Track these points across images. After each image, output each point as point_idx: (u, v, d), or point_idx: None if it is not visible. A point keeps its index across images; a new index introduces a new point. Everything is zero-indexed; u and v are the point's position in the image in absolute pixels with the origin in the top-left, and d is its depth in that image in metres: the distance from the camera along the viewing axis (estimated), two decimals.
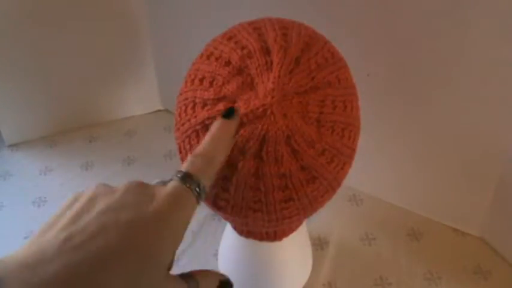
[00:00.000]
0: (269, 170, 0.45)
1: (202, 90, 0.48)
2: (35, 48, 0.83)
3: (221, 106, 0.46)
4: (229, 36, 0.50)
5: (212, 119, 0.46)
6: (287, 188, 0.47)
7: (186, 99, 0.49)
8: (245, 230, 0.59)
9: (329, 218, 0.75)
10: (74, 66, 0.87)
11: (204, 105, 0.47)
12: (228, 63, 0.48)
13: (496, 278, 0.69)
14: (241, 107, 0.45)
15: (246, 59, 0.47)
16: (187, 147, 0.48)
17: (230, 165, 0.46)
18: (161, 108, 0.98)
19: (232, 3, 0.73)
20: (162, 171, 0.85)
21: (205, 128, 0.46)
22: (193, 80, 0.50)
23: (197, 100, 0.48)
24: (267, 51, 0.47)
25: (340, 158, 0.48)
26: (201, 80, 0.49)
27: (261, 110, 0.44)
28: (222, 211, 0.50)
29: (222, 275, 0.46)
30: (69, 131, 0.93)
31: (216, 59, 0.49)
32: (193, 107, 0.48)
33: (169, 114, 0.97)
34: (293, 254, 0.65)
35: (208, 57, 0.50)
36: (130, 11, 0.85)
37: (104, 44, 0.86)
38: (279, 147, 0.45)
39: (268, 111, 0.44)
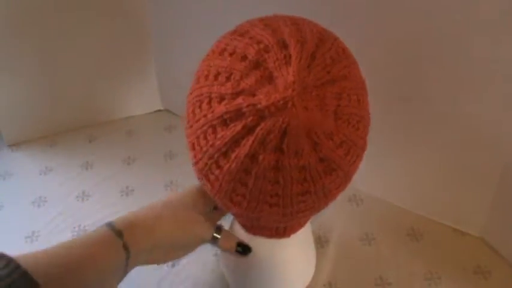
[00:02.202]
0: (289, 163, 0.46)
1: (219, 85, 0.48)
2: (35, 49, 0.83)
3: (240, 100, 0.46)
4: (240, 33, 0.50)
5: (231, 113, 0.46)
6: (305, 181, 0.47)
7: (201, 95, 0.49)
8: (255, 226, 0.59)
9: (329, 217, 0.75)
10: (75, 66, 0.87)
11: (222, 99, 0.47)
12: (244, 57, 0.47)
13: (496, 278, 0.69)
14: (262, 100, 0.45)
15: (263, 53, 0.47)
16: (203, 142, 0.48)
17: (250, 158, 0.46)
18: (161, 108, 0.98)
19: (233, 4, 0.73)
20: (162, 171, 0.86)
21: (223, 122, 0.46)
22: (206, 76, 0.49)
23: (213, 95, 0.48)
24: (283, 45, 0.47)
25: (355, 149, 0.49)
26: (216, 76, 0.48)
27: (282, 102, 0.44)
28: (237, 206, 0.50)
29: (240, 240, 0.61)
30: (69, 131, 0.93)
31: (230, 54, 0.49)
32: (209, 102, 0.48)
33: (170, 114, 0.97)
34: (298, 253, 0.65)
35: (221, 53, 0.50)
36: (132, 12, 0.85)
37: (104, 44, 0.86)
38: (299, 139, 0.45)
39: (289, 104, 0.44)
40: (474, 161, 0.67)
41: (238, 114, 0.45)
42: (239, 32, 0.50)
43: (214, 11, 0.76)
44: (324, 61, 0.47)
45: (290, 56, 0.46)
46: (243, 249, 0.61)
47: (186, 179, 0.83)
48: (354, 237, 0.74)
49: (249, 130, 0.45)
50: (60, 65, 0.86)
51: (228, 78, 0.47)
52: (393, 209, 0.78)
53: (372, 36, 0.65)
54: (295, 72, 0.44)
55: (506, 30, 0.56)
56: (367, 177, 0.79)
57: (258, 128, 0.45)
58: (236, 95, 0.46)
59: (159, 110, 0.98)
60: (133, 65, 0.91)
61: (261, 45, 0.47)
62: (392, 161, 0.75)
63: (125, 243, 0.53)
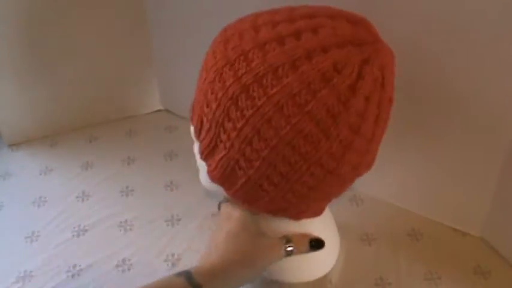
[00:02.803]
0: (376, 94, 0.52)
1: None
2: (35, 49, 0.83)
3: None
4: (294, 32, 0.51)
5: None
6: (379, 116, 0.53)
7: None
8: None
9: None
10: (75, 66, 0.87)
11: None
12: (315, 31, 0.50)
13: (496, 278, 0.69)
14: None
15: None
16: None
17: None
18: (161, 108, 0.98)
19: (232, 5, 0.73)
20: (162, 171, 0.86)
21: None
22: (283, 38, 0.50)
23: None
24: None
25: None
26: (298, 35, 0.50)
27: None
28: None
29: (312, 235, 0.62)
30: (69, 131, 0.93)
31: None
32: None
33: (170, 114, 0.97)
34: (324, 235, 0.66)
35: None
36: (132, 12, 0.85)
37: (104, 44, 0.86)
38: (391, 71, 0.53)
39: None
40: (474, 161, 0.67)
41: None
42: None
43: (215, 11, 0.76)
44: None
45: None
46: (318, 244, 0.62)
47: (186, 179, 0.83)
48: (354, 237, 0.74)
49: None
50: (60, 65, 0.86)
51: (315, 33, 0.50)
52: (393, 209, 0.78)
53: None
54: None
55: (503, 30, 0.56)
56: (367, 178, 0.79)
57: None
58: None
59: (159, 110, 0.98)
60: (133, 65, 0.91)
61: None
62: (393, 162, 0.75)
63: None
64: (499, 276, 0.69)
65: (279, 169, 0.52)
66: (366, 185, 0.79)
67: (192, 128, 0.60)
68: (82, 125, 0.94)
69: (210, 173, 0.57)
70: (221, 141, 0.53)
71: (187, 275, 0.54)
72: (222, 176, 0.55)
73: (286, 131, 0.49)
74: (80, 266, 0.71)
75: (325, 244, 0.67)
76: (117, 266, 0.71)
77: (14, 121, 0.89)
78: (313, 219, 0.62)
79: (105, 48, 0.87)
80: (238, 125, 0.50)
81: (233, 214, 0.60)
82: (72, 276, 0.70)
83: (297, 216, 0.60)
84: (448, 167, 0.70)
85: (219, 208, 0.65)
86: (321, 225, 0.65)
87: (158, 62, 0.91)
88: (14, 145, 0.91)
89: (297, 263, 0.65)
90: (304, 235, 0.62)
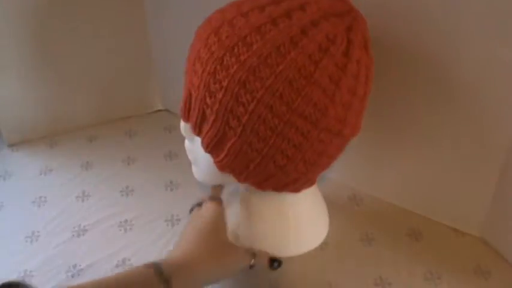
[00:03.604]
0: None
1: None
2: (35, 49, 0.83)
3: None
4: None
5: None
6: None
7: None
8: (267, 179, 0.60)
9: (329, 217, 0.75)
10: (75, 66, 0.87)
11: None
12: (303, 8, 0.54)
13: (496, 278, 0.69)
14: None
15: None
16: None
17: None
18: (161, 108, 0.98)
19: None
20: (162, 171, 0.86)
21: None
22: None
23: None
24: None
25: None
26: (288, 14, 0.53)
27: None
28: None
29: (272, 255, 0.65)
30: (69, 131, 0.93)
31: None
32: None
33: (170, 114, 0.97)
34: (308, 212, 0.69)
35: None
36: (131, 12, 0.85)
37: (104, 44, 0.86)
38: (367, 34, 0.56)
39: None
40: (474, 161, 0.67)
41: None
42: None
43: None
44: None
45: None
46: (276, 264, 0.65)
47: (186, 179, 0.83)
48: (354, 237, 0.74)
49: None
50: (60, 65, 0.86)
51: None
52: (393, 209, 0.78)
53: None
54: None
55: (502, 31, 0.56)
56: (367, 177, 0.79)
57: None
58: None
59: (159, 110, 0.98)
60: (133, 65, 0.91)
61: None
62: (392, 161, 0.75)
63: None
64: (499, 276, 0.69)
65: (293, 141, 0.54)
66: (366, 185, 0.79)
67: (183, 126, 0.60)
68: (82, 125, 0.94)
69: (218, 162, 0.57)
70: (230, 127, 0.54)
71: (156, 267, 0.54)
72: (234, 162, 0.56)
73: (298, 103, 0.52)
74: (80, 266, 0.71)
75: (315, 219, 0.71)
76: (117, 266, 0.71)
77: (14, 121, 0.89)
78: (305, 197, 0.65)
79: (105, 49, 0.87)
80: (250, 108, 0.52)
81: (206, 216, 0.62)
82: (72, 276, 0.70)
83: (300, 187, 0.62)
84: (448, 166, 0.70)
85: (190, 212, 0.67)
86: (310, 201, 0.68)
87: (158, 62, 0.91)
88: (14, 145, 0.91)
89: (282, 236, 0.68)
90: (266, 254, 0.65)
